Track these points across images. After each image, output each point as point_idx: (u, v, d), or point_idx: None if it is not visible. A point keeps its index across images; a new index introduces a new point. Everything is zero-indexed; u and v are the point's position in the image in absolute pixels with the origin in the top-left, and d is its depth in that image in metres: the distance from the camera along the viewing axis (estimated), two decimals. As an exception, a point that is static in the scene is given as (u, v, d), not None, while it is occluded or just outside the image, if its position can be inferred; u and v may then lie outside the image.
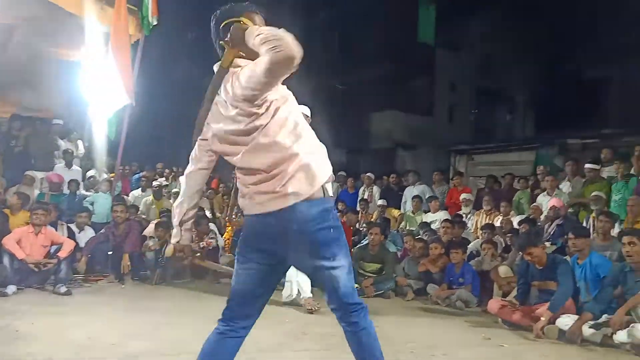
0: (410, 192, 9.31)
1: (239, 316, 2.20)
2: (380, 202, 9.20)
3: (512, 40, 22.85)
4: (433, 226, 7.67)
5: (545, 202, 7.27)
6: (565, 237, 5.21)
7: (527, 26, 21.70)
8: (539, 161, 9.38)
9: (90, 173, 8.99)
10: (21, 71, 9.07)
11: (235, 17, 2.15)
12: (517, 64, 23.65)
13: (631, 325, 3.87)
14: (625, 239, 4.27)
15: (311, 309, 4.96)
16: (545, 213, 7.01)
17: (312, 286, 5.13)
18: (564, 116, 16.40)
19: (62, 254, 5.56)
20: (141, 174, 10.36)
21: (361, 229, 8.28)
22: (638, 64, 15.44)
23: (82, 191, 8.55)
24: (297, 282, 5.16)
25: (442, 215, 8.05)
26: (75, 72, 8.83)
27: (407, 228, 8.33)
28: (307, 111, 5.26)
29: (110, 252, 6.39)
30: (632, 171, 7.08)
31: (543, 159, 9.71)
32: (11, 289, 5.16)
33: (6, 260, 5.33)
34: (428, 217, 8.22)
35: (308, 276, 2.57)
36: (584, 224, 6.36)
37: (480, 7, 20.79)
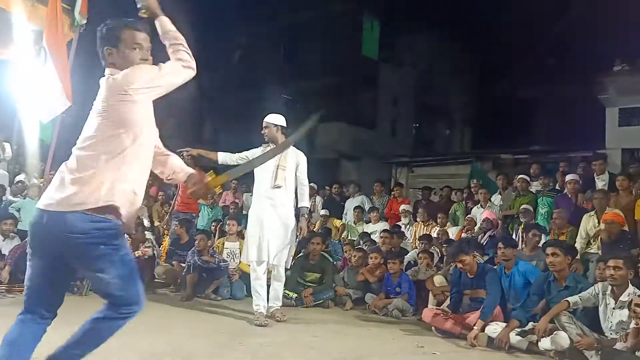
0: (350, 203, 9.44)
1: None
2: (322, 212, 9.26)
3: (452, 59, 23.82)
4: (373, 237, 7.79)
5: (479, 214, 7.56)
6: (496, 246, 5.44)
7: (465, 46, 22.68)
8: (474, 175, 9.75)
9: (19, 178, 8.54)
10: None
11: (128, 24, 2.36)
12: (456, 82, 24.65)
13: (554, 332, 4.06)
14: (548, 250, 4.50)
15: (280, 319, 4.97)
16: (478, 225, 7.29)
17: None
18: (497, 132, 17.18)
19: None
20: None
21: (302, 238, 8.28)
22: (564, 85, 16.39)
23: (8, 197, 8.09)
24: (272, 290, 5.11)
25: (382, 226, 8.18)
26: (2, 72, 8.36)
27: (349, 238, 8.42)
28: (275, 120, 5.19)
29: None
30: (557, 186, 7.51)
31: (477, 173, 10.10)
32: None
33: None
34: (368, 228, 8.34)
35: None
36: (514, 236, 6.66)
37: (422, 26, 21.49)
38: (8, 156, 8.89)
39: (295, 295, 5.98)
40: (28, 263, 2.29)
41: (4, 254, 6.04)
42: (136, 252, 6.26)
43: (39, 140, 7.47)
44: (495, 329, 4.39)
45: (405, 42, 22.85)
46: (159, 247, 7.40)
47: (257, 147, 5.26)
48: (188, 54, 2.35)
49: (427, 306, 5.45)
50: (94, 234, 2.16)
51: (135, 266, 2.37)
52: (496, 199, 7.96)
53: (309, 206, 5.54)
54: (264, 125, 5.16)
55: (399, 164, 14.30)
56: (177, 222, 6.93)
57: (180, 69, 2.32)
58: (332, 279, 6.22)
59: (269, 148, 5.10)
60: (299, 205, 5.26)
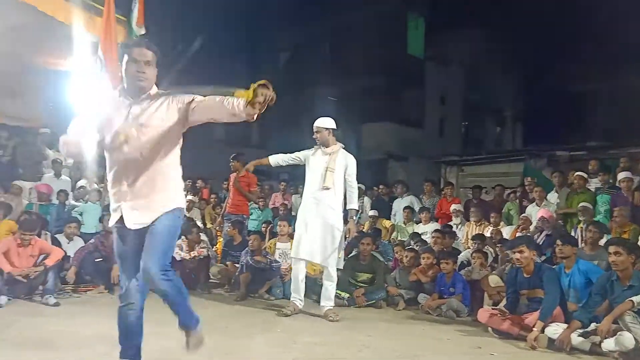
0: (399, 203, 9.36)
1: None
2: (371, 212, 9.23)
3: (501, 54, 23.22)
4: (424, 237, 7.69)
5: (534, 212, 7.34)
6: (554, 245, 5.26)
7: (514, 41, 22.06)
8: (527, 172, 9.47)
9: (80, 183, 8.94)
10: (8, 81, 9.03)
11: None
12: (505, 78, 24.00)
13: (618, 333, 3.91)
14: (611, 249, 4.32)
15: (333, 319, 5.05)
16: (534, 224, 7.08)
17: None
18: (551, 129, 16.61)
19: (49, 262, 5.50)
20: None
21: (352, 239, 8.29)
22: (621, 76, 15.69)
23: (71, 201, 8.49)
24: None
25: (434, 226, 8.05)
26: (63, 81, 8.80)
27: (399, 238, 8.35)
28: (327, 124, 5.31)
29: (98, 260, 6.32)
30: (617, 183, 7.19)
31: (531, 171, 9.80)
32: (3, 299, 5.11)
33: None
34: (419, 229, 8.25)
35: None
36: (572, 234, 6.43)
37: (469, 23, 21.10)
38: (70, 163, 9.31)
39: (347, 295, 5.99)
40: None
41: (69, 256, 6.33)
42: (192, 252, 6.44)
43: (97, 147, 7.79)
44: (555, 330, 4.25)
45: (451, 39, 22.50)
46: (213, 248, 7.59)
47: (309, 149, 5.40)
48: None
49: (482, 306, 5.33)
50: None
51: None
52: (552, 197, 7.70)
53: (358, 208, 5.59)
54: (315, 130, 5.28)
55: (448, 163, 14.06)
56: (229, 224, 7.07)
57: None
58: (384, 279, 6.19)
59: (319, 150, 5.28)
60: (347, 207, 5.33)
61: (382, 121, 20.04)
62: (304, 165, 5.38)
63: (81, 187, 8.83)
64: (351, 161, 5.33)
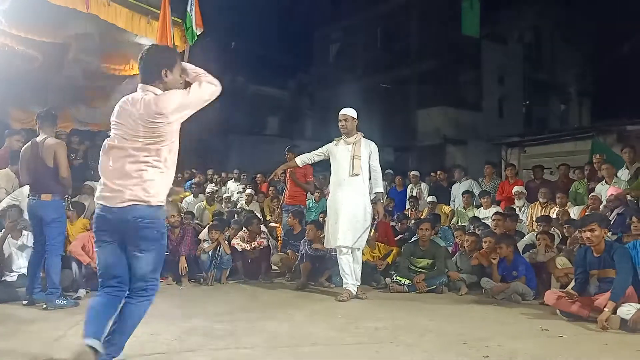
0: (458, 188, 9.18)
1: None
2: (430, 198, 9.12)
3: (561, 27, 22.12)
4: (485, 222, 7.51)
5: (604, 191, 6.99)
6: (628, 222, 5.00)
7: (575, 11, 20.92)
8: (595, 150, 8.99)
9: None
10: (76, 87, 9.57)
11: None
12: (568, 52, 22.85)
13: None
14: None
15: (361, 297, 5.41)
16: (604, 202, 6.74)
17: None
18: (620, 103, 15.68)
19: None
20: (193, 180, 10.69)
21: (410, 225, 8.22)
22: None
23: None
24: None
25: (495, 210, 7.85)
26: (128, 86, 9.20)
27: (459, 224, 8.20)
28: (352, 113, 5.59)
29: (166, 253, 6.60)
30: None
31: (599, 147, 9.30)
32: (82, 292, 5.45)
33: (74, 266, 5.63)
34: (480, 213, 8.06)
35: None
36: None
37: (526, -2, 20.19)
38: None
39: (408, 281, 5.96)
40: None
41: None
42: (252, 243, 6.62)
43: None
44: (629, 310, 4.06)
45: (507, 15, 21.65)
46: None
47: (331, 142, 5.72)
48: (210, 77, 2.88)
49: (549, 289, 5.16)
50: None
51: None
52: (623, 173, 7.30)
53: (383, 191, 5.95)
54: (342, 118, 5.59)
55: (509, 145, 13.59)
56: (290, 214, 7.22)
57: (202, 85, 2.83)
58: (445, 264, 6.11)
59: (341, 141, 5.60)
60: (374, 191, 5.64)
61: (438, 105, 19.62)
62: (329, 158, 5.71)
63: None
64: (374, 147, 5.65)
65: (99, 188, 2.84)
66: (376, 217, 5.69)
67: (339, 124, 5.61)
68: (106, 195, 2.78)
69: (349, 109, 5.66)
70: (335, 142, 5.69)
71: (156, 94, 2.81)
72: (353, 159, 5.47)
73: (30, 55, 7.93)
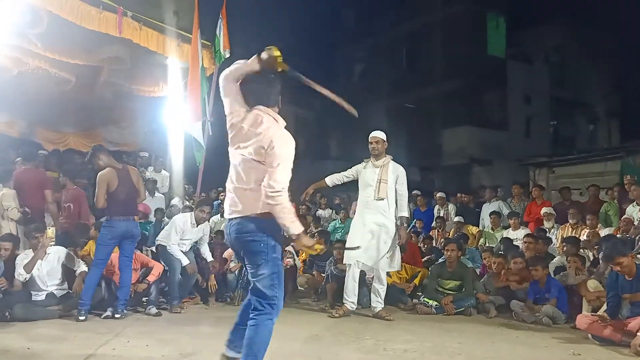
0: (487, 209, 9.08)
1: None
2: (456, 219, 9.04)
3: (588, 47, 21.88)
4: (515, 244, 7.40)
5: (635, 212, 6.84)
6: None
7: (601, 30, 20.70)
8: (625, 170, 8.82)
9: (173, 202, 9.47)
10: (107, 108, 9.83)
11: None
12: (595, 71, 22.55)
13: None
14: None
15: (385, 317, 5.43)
16: (636, 224, 6.60)
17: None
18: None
19: (152, 277, 5.87)
20: (219, 200, 10.80)
21: (438, 246, 8.16)
22: None
23: (166, 219, 9.02)
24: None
25: (524, 232, 7.74)
26: (157, 107, 9.44)
27: (487, 245, 8.10)
28: (383, 136, 5.63)
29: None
30: None
31: (629, 168, 9.12)
32: (110, 310, 5.52)
33: (103, 285, 5.72)
34: (509, 235, 7.94)
35: None
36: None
37: (551, 18, 20.09)
38: (165, 189, 9.84)
39: (436, 303, 5.90)
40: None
41: (167, 269, 6.72)
42: (279, 263, 6.64)
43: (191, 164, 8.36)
44: (664, 335, 3.95)
45: (533, 35, 21.55)
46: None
47: (360, 163, 5.80)
48: None
49: (580, 312, 5.05)
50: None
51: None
52: (655, 195, 7.13)
53: (408, 215, 5.97)
54: (373, 141, 5.67)
55: (536, 165, 13.40)
56: (315, 234, 7.24)
57: None
58: (473, 285, 6.03)
59: (369, 163, 5.67)
60: (398, 215, 5.64)
61: (463, 125, 19.51)
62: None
63: (173, 205, 9.38)
64: (402, 172, 5.68)
65: None
66: (398, 242, 5.66)
67: (370, 146, 5.68)
68: None
69: (380, 132, 5.73)
70: (364, 163, 5.76)
71: None
72: (379, 182, 5.53)
73: (64, 78, 8.15)
